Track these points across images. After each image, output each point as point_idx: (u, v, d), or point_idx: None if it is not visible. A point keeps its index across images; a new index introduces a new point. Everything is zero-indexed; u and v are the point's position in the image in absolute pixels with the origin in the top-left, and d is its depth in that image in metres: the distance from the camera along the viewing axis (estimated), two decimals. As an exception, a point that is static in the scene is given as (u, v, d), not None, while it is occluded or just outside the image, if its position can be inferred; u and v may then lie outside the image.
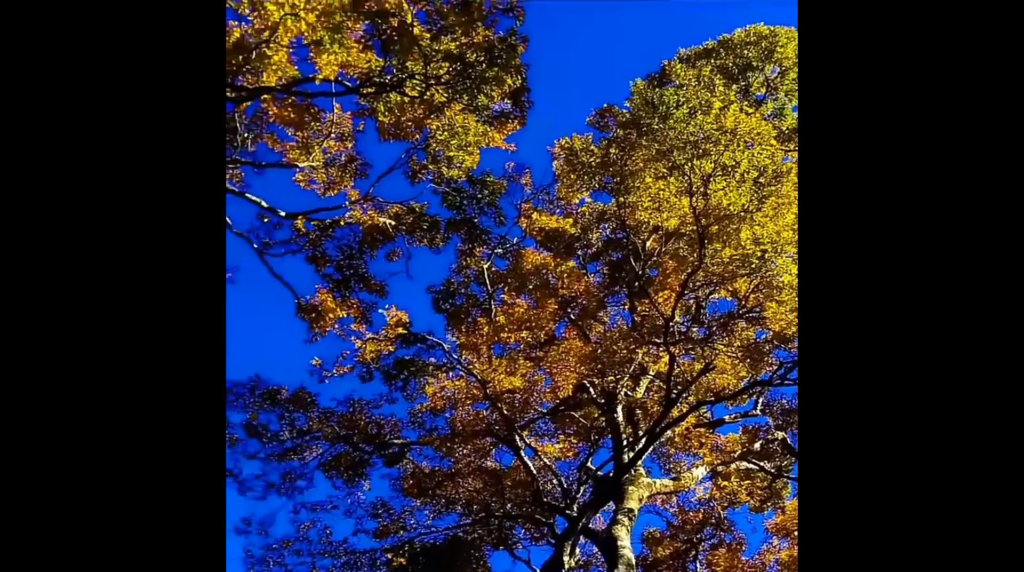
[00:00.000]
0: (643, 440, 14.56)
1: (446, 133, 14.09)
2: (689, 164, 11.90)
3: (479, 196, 16.93)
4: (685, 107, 11.60)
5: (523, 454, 15.90)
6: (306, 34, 12.65)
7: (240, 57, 12.47)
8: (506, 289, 17.34)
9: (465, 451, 16.87)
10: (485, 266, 17.49)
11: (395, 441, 17.22)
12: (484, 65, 12.62)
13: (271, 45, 12.51)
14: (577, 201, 17.52)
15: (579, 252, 17.78)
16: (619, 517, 13.96)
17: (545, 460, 16.83)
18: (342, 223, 15.36)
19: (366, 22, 12.85)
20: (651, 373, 16.88)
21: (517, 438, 15.74)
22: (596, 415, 17.05)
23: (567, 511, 15.86)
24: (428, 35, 12.63)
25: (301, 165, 14.70)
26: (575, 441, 18.25)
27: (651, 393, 17.34)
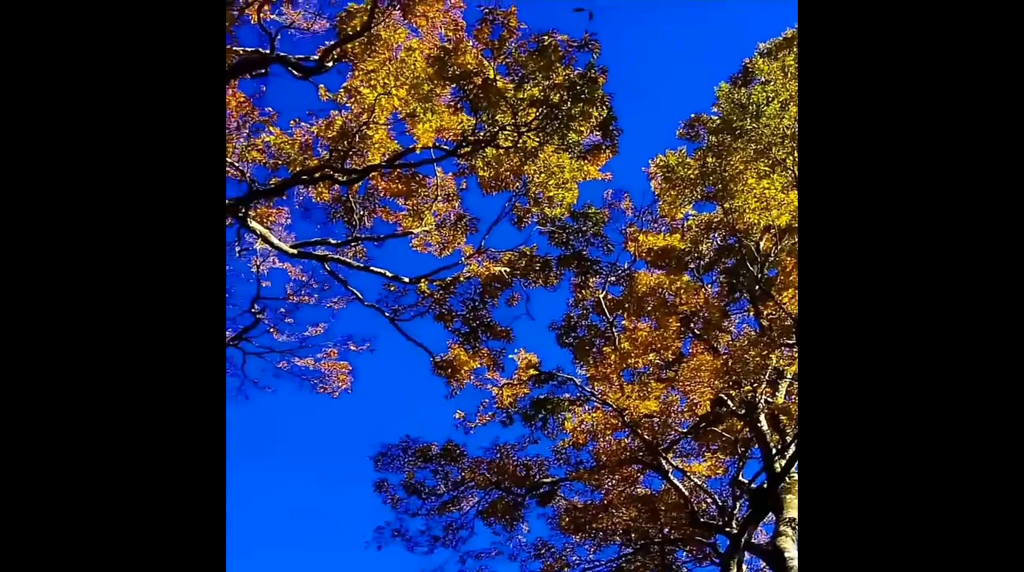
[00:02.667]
0: (792, 445, 14.16)
1: (543, 175, 14.54)
2: (790, 157, 11.82)
3: (584, 229, 17.23)
4: (776, 102, 11.58)
5: (672, 477, 15.76)
6: (400, 109, 13.59)
7: (345, 142, 13.49)
8: (625, 315, 17.42)
9: (614, 481, 16.89)
10: (601, 295, 17.69)
11: (544, 480, 17.51)
12: (569, 103, 13.05)
13: (371, 126, 13.49)
14: (681, 215, 17.48)
15: (692, 266, 17.64)
16: (782, 528, 13.55)
17: (695, 480, 16.59)
18: (461, 279, 16.04)
19: (452, 86, 13.63)
20: (788, 376, 16.42)
21: (663, 461, 15.64)
22: (739, 427, 16.70)
23: (726, 528, 15.52)
24: (511, 86, 13.23)
25: (415, 231, 15.59)
26: (722, 456, 17.91)
27: (792, 396, 16.84)
